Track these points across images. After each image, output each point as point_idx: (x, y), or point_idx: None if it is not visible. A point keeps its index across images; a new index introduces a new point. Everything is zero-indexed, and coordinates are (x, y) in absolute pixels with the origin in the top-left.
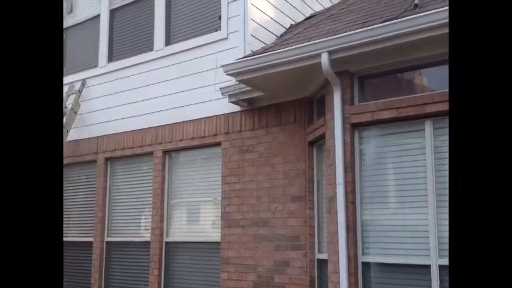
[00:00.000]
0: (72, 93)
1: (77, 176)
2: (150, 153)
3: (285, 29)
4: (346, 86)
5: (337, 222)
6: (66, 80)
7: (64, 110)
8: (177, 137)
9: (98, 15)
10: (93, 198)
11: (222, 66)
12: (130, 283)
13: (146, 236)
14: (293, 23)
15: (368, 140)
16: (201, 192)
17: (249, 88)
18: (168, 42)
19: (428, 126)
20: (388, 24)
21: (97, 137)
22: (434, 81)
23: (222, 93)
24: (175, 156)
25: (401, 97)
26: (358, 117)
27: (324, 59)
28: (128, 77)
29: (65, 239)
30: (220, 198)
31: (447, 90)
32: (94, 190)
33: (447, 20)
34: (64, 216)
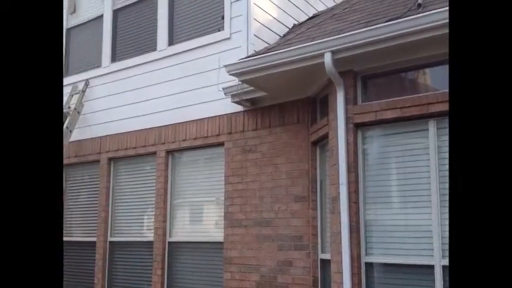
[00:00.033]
0: (76, 94)
1: (80, 176)
2: (153, 153)
3: (288, 29)
4: (349, 86)
5: (340, 222)
6: (70, 80)
7: (67, 110)
8: (180, 137)
9: (101, 16)
10: (97, 198)
11: (225, 66)
12: (133, 283)
13: (149, 236)
14: (296, 22)
15: (371, 140)
16: (204, 192)
17: (252, 88)
18: (171, 42)
19: (432, 126)
20: (392, 23)
21: (100, 137)
22: (438, 81)
23: (225, 93)
24: (178, 156)
25: (404, 97)
26: (361, 117)
27: (327, 58)
28: (131, 77)
29: (68, 238)
30: (223, 198)
31: None
32: (97, 190)
33: None
34: (67, 216)
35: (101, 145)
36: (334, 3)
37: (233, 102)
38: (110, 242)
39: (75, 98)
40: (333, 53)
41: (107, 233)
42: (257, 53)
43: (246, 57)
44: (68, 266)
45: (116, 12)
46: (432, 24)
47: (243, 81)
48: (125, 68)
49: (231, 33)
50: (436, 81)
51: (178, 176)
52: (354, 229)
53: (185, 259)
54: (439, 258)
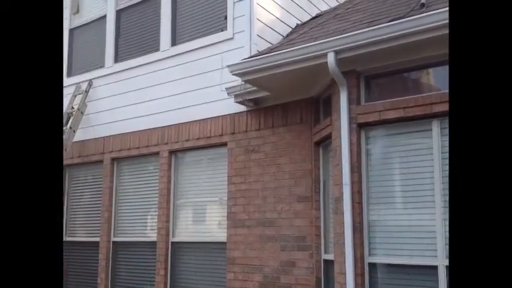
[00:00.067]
0: (79, 94)
1: (84, 176)
2: (156, 154)
3: (291, 29)
4: (352, 86)
5: (343, 223)
6: (73, 80)
7: (71, 111)
8: (183, 137)
9: (104, 16)
10: (100, 198)
11: (228, 66)
12: (136, 283)
13: (152, 236)
14: (299, 22)
15: (375, 140)
16: (207, 193)
17: (255, 88)
18: (174, 42)
19: (435, 126)
20: (395, 23)
21: (103, 137)
22: (441, 81)
23: (228, 93)
24: (181, 156)
25: (408, 97)
26: (364, 117)
27: (330, 58)
28: (134, 77)
29: (71, 238)
30: (226, 198)
31: None
32: (100, 190)
33: None
34: (71, 216)
35: (104, 145)
36: (337, 3)
37: (236, 102)
38: (113, 242)
39: (79, 98)
40: (336, 53)
41: (110, 233)
42: (260, 53)
43: (249, 57)
44: (72, 266)
45: (119, 13)
46: (435, 24)
47: (246, 81)
48: (128, 68)
49: (234, 33)
50: (439, 81)
51: (181, 176)
52: (357, 229)
53: (188, 259)
54: (442, 259)
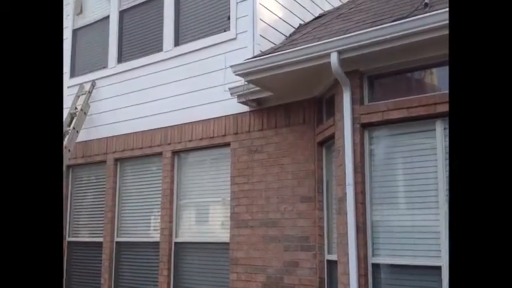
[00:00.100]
0: (82, 94)
1: (87, 177)
2: (159, 154)
3: (293, 29)
4: (355, 86)
5: (346, 223)
6: (76, 81)
7: (74, 111)
8: (186, 137)
9: (108, 17)
10: (103, 199)
11: (231, 66)
12: (139, 283)
13: (155, 237)
14: (302, 22)
15: (378, 140)
16: (210, 193)
17: (258, 88)
18: (177, 43)
19: (439, 126)
20: (398, 23)
21: (106, 137)
22: (445, 81)
23: (231, 94)
24: (184, 156)
25: (411, 97)
26: (368, 117)
27: (334, 58)
28: (137, 77)
29: (75, 239)
30: (229, 198)
31: None
32: (104, 190)
33: None
34: (74, 216)
35: (107, 146)
36: (340, 3)
37: (239, 102)
38: (116, 242)
39: (82, 98)
40: (339, 53)
41: (114, 233)
42: (263, 53)
43: (252, 58)
44: (75, 266)
45: (122, 13)
46: (439, 24)
47: (249, 82)
48: (131, 69)
49: (237, 34)
50: (442, 81)
51: (184, 177)
52: (361, 230)
53: (191, 260)
54: (446, 259)
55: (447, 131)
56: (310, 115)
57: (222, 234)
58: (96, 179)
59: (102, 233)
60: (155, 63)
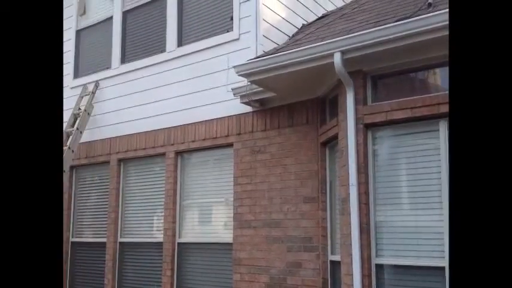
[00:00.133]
0: (86, 95)
1: (90, 177)
2: (163, 154)
3: (297, 29)
4: (359, 86)
5: (350, 224)
6: (80, 81)
7: (77, 112)
8: (189, 138)
9: (111, 17)
10: (106, 199)
11: (234, 67)
12: (143, 284)
13: (159, 237)
14: (305, 22)
15: (381, 141)
16: (213, 193)
17: (261, 89)
18: (180, 43)
19: (442, 126)
20: (402, 23)
21: (110, 138)
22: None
23: (234, 94)
24: (187, 157)
25: (415, 97)
26: (371, 118)
27: (337, 58)
28: (141, 78)
29: (78, 239)
30: (232, 199)
31: None
32: (107, 191)
33: None
34: (78, 216)
35: (110, 146)
36: (343, 3)
37: (242, 103)
38: (119, 242)
39: (85, 99)
40: (343, 53)
41: (117, 233)
42: (266, 54)
43: (254, 58)
44: (79, 267)
45: (125, 14)
46: (442, 23)
47: (252, 82)
48: (135, 70)
49: (239, 34)
50: (446, 81)
51: (188, 177)
52: (364, 230)
53: (194, 260)
54: None
55: None
56: (314, 115)
57: (225, 235)
58: (99, 179)
59: (105, 234)
60: (158, 63)
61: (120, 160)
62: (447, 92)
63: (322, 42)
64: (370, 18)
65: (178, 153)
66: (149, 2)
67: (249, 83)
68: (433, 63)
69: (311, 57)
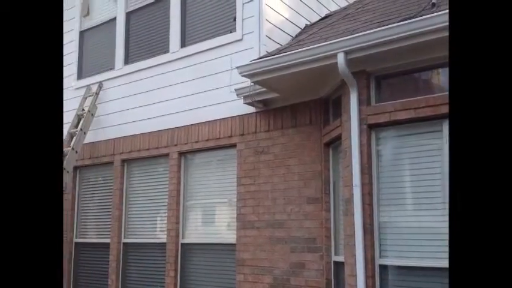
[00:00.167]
0: (90, 96)
1: (94, 178)
2: (166, 155)
3: (300, 30)
4: (362, 87)
5: (354, 225)
6: (83, 82)
7: (81, 113)
8: (192, 138)
9: (114, 18)
10: (110, 200)
11: (237, 67)
12: (146, 284)
13: (162, 238)
14: (308, 23)
15: (385, 141)
16: (217, 194)
17: (264, 89)
18: (183, 44)
19: (446, 127)
20: (406, 23)
21: (114, 138)
22: None
23: (237, 95)
24: (190, 157)
25: (418, 97)
26: (375, 118)
27: (340, 59)
28: (144, 79)
29: (82, 240)
30: (235, 199)
31: None
32: (111, 191)
33: None
34: (81, 217)
35: (114, 147)
36: (347, 3)
37: (245, 103)
38: (123, 243)
39: (89, 100)
40: (346, 53)
41: (121, 234)
42: (269, 54)
43: (258, 59)
44: (82, 267)
45: (128, 15)
46: (446, 23)
47: (255, 83)
48: (138, 70)
49: (243, 35)
50: None
51: (191, 178)
52: (368, 231)
53: (198, 261)
54: None
55: None
56: (317, 116)
57: (229, 235)
58: (103, 180)
59: (109, 234)
60: (162, 64)
61: (123, 161)
62: None
63: (326, 43)
64: (374, 18)
65: (182, 154)
66: (152, 2)
67: (252, 84)
68: (437, 64)
69: (314, 57)
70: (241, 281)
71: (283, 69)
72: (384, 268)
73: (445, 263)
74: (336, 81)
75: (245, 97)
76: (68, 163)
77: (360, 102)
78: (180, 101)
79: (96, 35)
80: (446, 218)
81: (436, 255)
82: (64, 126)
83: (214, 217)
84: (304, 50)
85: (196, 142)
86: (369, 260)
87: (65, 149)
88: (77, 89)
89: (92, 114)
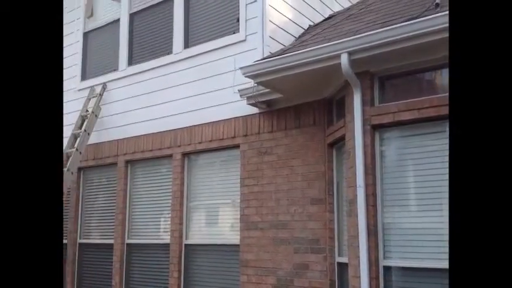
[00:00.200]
0: (93, 97)
1: (98, 179)
2: (170, 156)
3: (303, 30)
4: (366, 87)
5: (357, 225)
6: (87, 83)
7: (85, 114)
8: (195, 139)
9: (118, 19)
10: (114, 201)
11: (241, 68)
12: (150, 285)
13: (166, 238)
14: (311, 23)
15: (389, 142)
16: (220, 195)
17: (268, 90)
18: (186, 45)
19: None
20: (409, 23)
21: (117, 139)
22: None
23: (241, 96)
24: (194, 158)
25: (422, 98)
26: (378, 119)
27: (344, 59)
28: (148, 80)
29: (86, 241)
30: (239, 200)
31: None
32: (114, 192)
33: None
34: (85, 218)
35: (118, 148)
36: (350, 4)
37: (249, 104)
38: (127, 244)
39: (93, 101)
40: (350, 53)
41: (124, 235)
42: (272, 55)
43: (261, 59)
44: (86, 268)
45: (132, 16)
46: None
47: (259, 83)
48: (142, 71)
49: (246, 35)
50: None
51: (194, 179)
52: (372, 232)
53: (201, 262)
54: None
55: None
56: (320, 116)
57: (232, 236)
58: (107, 181)
59: (113, 235)
60: (165, 65)
61: (127, 162)
62: None
63: (329, 43)
64: (377, 19)
65: (185, 155)
66: (156, 4)
67: (255, 85)
68: (441, 64)
69: (318, 58)
70: (244, 281)
71: (286, 69)
72: (387, 269)
73: None
74: (340, 81)
75: (248, 98)
76: (72, 164)
77: (364, 103)
78: (183, 102)
79: (100, 36)
80: None
81: (441, 256)
82: (68, 127)
83: (217, 218)
84: (308, 51)
85: (200, 143)
86: (373, 261)
87: (69, 150)
88: (81, 90)
89: (96, 116)
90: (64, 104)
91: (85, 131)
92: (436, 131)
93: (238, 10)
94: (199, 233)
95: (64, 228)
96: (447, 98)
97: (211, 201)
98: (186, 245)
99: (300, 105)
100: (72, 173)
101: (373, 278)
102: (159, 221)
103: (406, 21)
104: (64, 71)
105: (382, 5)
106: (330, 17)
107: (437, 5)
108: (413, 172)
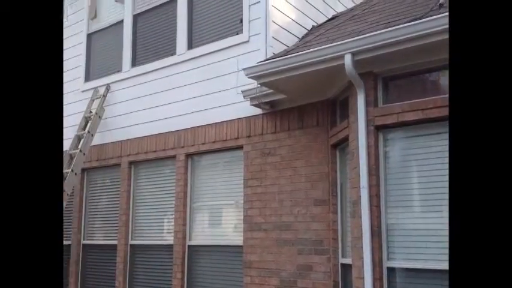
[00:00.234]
0: (97, 98)
1: (101, 180)
2: (173, 157)
3: (306, 31)
4: (370, 88)
5: (361, 227)
6: (91, 85)
7: (89, 115)
8: (199, 140)
9: (122, 21)
10: (117, 202)
11: (244, 69)
12: (153, 286)
13: (169, 239)
14: (315, 24)
15: (393, 143)
16: (223, 196)
17: (271, 91)
18: (190, 46)
19: None
20: (413, 24)
21: (121, 141)
22: None
23: (244, 96)
24: (197, 159)
25: (426, 98)
26: (382, 119)
27: (347, 60)
28: (151, 81)
29: (89, 242)
30: (242, 201)
31: None
32: (118, 193)
33: None
34: (89, 219)
35: (121, 149)
36: (354, 4)
37: (252, 105)
38: (130, 245)
39: (96, 102)
40: (353, 54)
41: (128, 236)
42: (276, 56)
43: (264, 60)
44: (90, 269)
45: (135, 17)
46: None
47: (262, 84)
48: (145, 73)
49: (249, 36)
50: None
51: (198, 180)
52: (376, 233)
53: (205, 263)
54: None
55: None
56: (324, 117)
57: (236, 237)
58: (110, 182)
59: (116, 236)
60: (168, 66)
61: (131, 163)
62: None
63: (333, 44)
64: (381, 19)
65: (189, 156)
66: (159, 5)
67: (259, 85)
68: (445, 65)
69: (321, 58)
70: (248, 283)
71: (290, 70)
72: (391, 270)
73: None
74: (343, 82)
75: (252, 99)
76: (76, 165)
77: (367, 104)
78: (186, 103)
79: (103, 38)
80: None
81: (445, 257)
82: (72, 128)
83: (221, 219)
84: (311, 52)
85: (203, 144)
86: (377, 263)
87: (72, 151)
88: (84, 91)
89: (100, 117)
90: (68, 105)
91: (89, 132)
92: (440, 132)
93: (242, 11)
94: (202, 234)
95: (68, 229)
96: None
97: (215, 202)
98: (189, 246)
99: (304, 106)
100: (76, 174)
101: (377, 279)
102: (163, 222)
103: (409, 21)
104: (68, 72)
105: (386, 6)
106: (333, 18)
107: (441, 5)
108: (417, 173)
